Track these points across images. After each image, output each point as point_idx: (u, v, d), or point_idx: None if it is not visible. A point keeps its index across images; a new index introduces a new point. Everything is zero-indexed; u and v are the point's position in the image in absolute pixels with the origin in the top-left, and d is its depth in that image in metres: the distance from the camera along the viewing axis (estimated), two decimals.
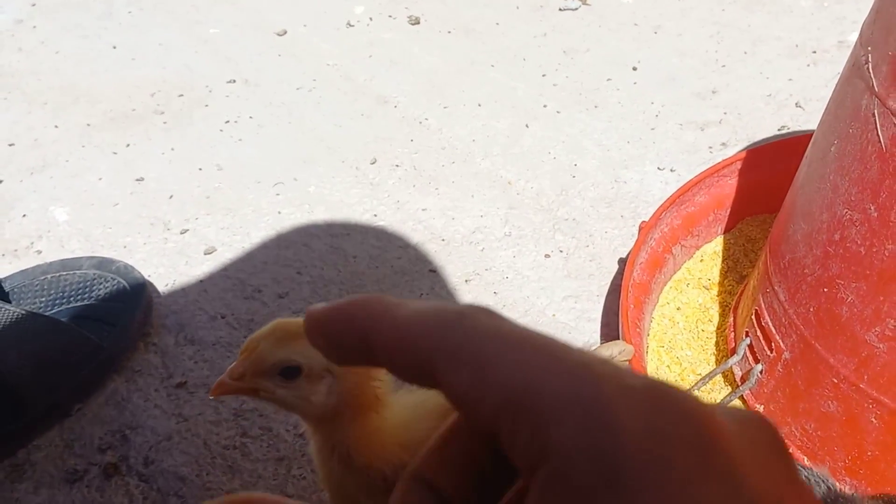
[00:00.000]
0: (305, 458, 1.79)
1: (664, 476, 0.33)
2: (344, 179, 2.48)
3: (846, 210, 1.46)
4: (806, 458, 1.63)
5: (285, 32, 3.10)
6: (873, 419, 1.50)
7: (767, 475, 0.36)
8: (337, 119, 2.71)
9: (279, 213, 2.36)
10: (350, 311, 0.44)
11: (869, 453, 1.54)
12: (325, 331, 0.45)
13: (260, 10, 3.23)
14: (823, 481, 1.31)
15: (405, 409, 1.32)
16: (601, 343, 1.57)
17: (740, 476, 0.34)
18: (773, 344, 1.67)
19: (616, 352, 1.55)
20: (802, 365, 1.60)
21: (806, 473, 1.31)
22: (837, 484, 1.32)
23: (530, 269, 2.22)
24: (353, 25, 3.14)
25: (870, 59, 1.40)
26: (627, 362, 1.57)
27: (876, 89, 1.37)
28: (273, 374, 1.17)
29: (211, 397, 1.20)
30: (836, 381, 1.53)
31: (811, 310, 1.56)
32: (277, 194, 2.42)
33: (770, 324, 1.68)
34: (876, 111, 1.37)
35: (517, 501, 0.45)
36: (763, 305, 1.72)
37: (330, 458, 1.29)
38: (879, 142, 1.37)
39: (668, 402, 0.36)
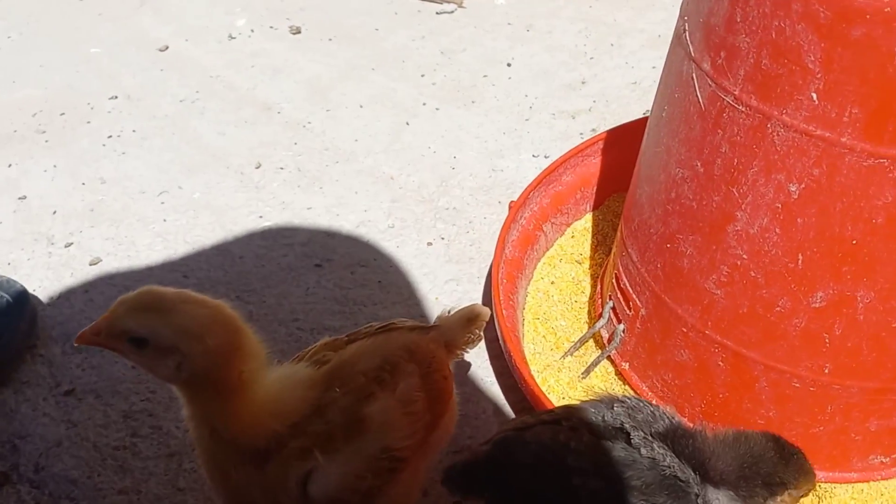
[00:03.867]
0: (196, 453, 1.82)
1: None
2: (229, 185, 2.53)
3: (678, 169, 1.57)
4: (670, 408, 1.74)
5: (167, 48, 3.14)
6: (720, 362, 1.62)
7: None
8: (221, 128, 2.75)
9: (164, 220, 2.39)
10: None
11: (721, 396, 1.65)
12: None
13: (142, 28, 3.26)
14: (669, 418, 1.40)
15: (276, 381, 1.37)
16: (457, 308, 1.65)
17: None
18: (631, 303, 1.78)
19: (473, 315, 1.61)
20: (656, 319, 1.72)
21: (651, 409, 1.40)
22: (677, 417, 1.42)
23: (413, 257, 2.30)
24: (234, 37, 3.19)
25: (687, 28, 1.52)
26: (481, 325, 1.64)
27: (693, 54, 1.49)
28: (123, 339, 1.23)
29: (75, 344, 1.26)
30: (685, 330, 1.65)
31: (658, 266, 1.67)
32: (162, 203, 2.45)
33: (627, 284, 1.79)
34: (694, 74, 1.49)
35: None
36: (621, 268, 1.83)
37: (200, 427, 1.35)
38: (699, 102, 1.49)
39: None
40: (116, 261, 2.26)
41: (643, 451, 1.31)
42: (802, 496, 1.39)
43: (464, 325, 1.59)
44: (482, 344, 2.06)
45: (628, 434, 1.33)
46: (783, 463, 1.37)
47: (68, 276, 2.22)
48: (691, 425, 1.43)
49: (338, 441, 1.35)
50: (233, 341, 1.28)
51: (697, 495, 1.32)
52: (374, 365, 1.42)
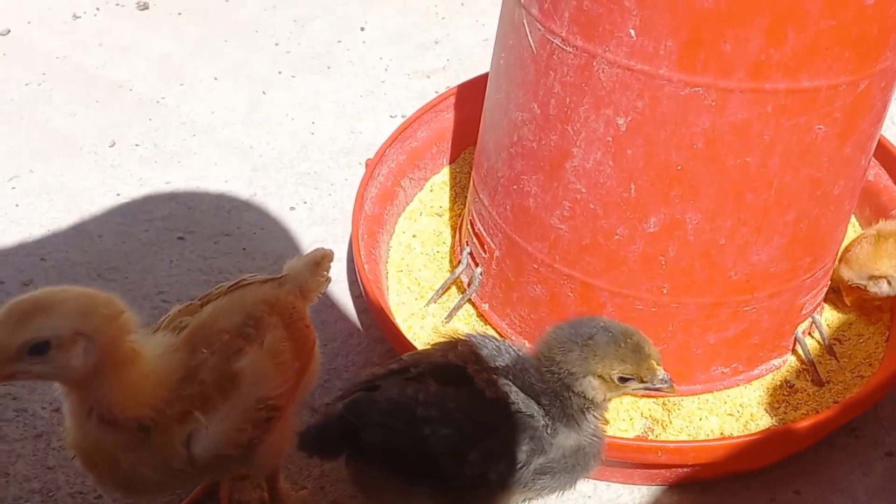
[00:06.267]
0: (64, 431, 1.81)
1: None
2: (83, 165, 2.48)
3: (518, 112, 1.65)
4: (527, 342, 1.82)
5: (9, 31, 3.02)
6: (570, 293, 1.71)
7: None
8: (71, 109, 2.69)
9: (17, 205, 2.33)
10: None
11: None
12: None
13: None
14: (515, 350, 1.44)
15: (153, 348, 1.38)
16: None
17: None
18: (485, 246, 1.85)
19: (319, 257, 1.64)
20: (510, 259, 1.79)
21: (496, 344, 1.45)
22: (523, 350, 1.46)
23: (277, 223, 2.32)
24: (79, 17, 3.10)
25: None
26: (327, 266, 1.66)
27: (522, 1, 1.56)
28: (22, 356, 1.20)
29: None
30: (535, 266, 1.73)
31: (507, 207, 1.75)
32: (13, 188, 2.39)
33: (481, 228, 1.86)
34: (524, 20, 1.56)
35: None
36: (474, 214, 1.90)
37: (87, 420, 1.33)
38: (531, 46, 1.56)
39: None
40: None
41: (487, 392, 1.35)
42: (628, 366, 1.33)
43: (312, 269, 1.62)
44: (348, 300, 2.10)
45: (472, 377, 1.37)
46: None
47: None
48: (532, 359, 1.44)
49: (214, 400, 1.37)
50: (117, 308, 1.29)
51: (546, 426, 1.36)
52: (236, 322, 1.44)
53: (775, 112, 1.41)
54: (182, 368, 1.38)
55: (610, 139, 1.50)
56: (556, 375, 1.35)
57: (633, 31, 1.39)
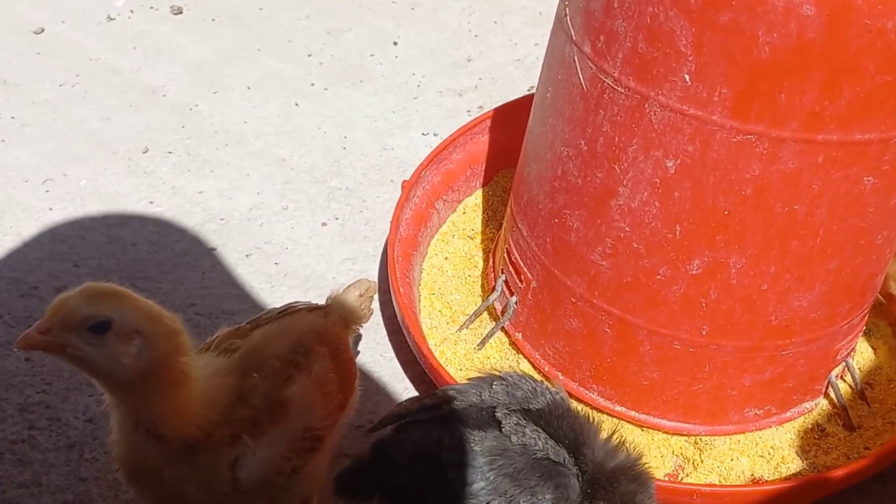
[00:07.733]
0: (97, 442, 1.81)
1: None
2: (116, 171, 2.49)
3: (563, 147, 1.65)
4: (560, 374, 1.83)
5: (43, 30, 3.04)
6: (607, 329, 1.71)
7: None
8: (105, 112, 2.70)
9: (50, 209, 2.34)
10: None
11: (608, 360, 1.75)
12: None
13: (15, 10, 3.14)
14: (551, 393, 1.43)
15: (202, 370, 1.39)
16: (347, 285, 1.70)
17: None
18: (522, 276, 1.86)
19: (363, 289, 1.66)
20: (547, 291, 1.80)
21: (532, 385, 1.43)
22: (561, 394, 1.44)
23: (308, 238, 2.32)
24: (114, 19, 3.11)
25: (568, 13, 1.60)
26: (371, 298, 1.69)
27: (574, 38, 1.56)
28: (82, 328, 1.19)
29: (16, 349, 1.21)
30: (573, 300, 1.73)
31: (547, 240, 1.75)
32: (47, 191, 2.40)
33: (518, 258, 1.87)
34: (576, 57, 1.57)
35: None
36: (511, 243, 1.90)
37: (134, 432, 1.34)
38: (581, 84, 1.57)
39: None
40: (1, 251, 2.21)
41: (514, 437, 1.34)
42: None
43: (356, 300, 1.63)
44: (380, 321, 2.11)
45: (501, 421, 1.36)
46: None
47: None
48: (570, 405, 1.44)
49: (263, 425, 1.38)
50: (178, 327, 1.30)
51: (578, 475, 1.34)
52: (286, 349, 1.45)
53: (826, 163, 1.41)
54: (233, 392, 1.39)
55: (658, 180, 1.51)
56: (584, 474, 1.34)
57: (687, 77, 1.40)
